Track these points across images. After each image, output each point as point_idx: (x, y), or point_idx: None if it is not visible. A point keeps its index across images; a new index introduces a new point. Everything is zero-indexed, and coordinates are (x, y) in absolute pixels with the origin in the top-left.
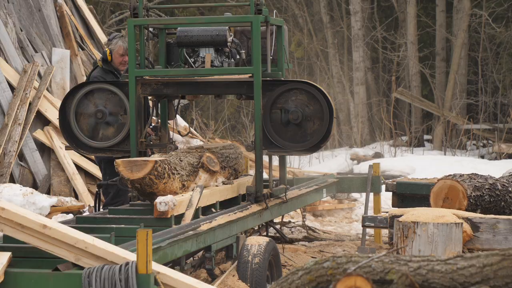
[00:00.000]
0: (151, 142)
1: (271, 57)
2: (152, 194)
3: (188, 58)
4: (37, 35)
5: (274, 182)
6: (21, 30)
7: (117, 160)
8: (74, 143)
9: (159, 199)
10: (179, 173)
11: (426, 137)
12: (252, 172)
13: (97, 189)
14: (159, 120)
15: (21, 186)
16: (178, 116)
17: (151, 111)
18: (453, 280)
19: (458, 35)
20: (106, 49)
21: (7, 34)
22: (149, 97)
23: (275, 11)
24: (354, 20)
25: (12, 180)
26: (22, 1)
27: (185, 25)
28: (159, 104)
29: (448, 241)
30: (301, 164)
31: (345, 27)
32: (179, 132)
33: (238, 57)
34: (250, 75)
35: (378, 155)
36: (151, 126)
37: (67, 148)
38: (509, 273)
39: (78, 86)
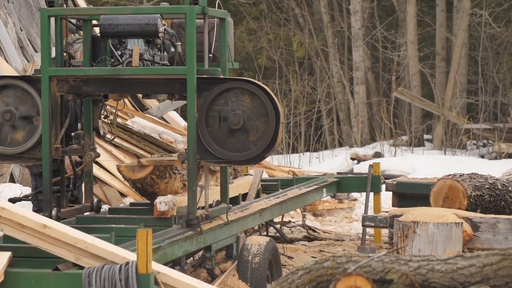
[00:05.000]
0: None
1: (210, 55)
2: (154, 194)
3: (114, 50)
4: (37, 34)
5: (214, 201)
6: (21, 30)
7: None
8: None
9: (159, 199)
10: (180, 173)
11: (426, 136)
12: (252, 171)
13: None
14: (83, 127)
15: (21, 186)
16: (178, 116)
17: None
18: (453, 279)
19: (458, 35)
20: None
21: (7, 34)
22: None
23: (218, 1)
24: (354, 19)
25: (12, 180)
26: (22, 1)
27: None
28: (82, 107)
29: (448, 240)
30: (301, 164)
31: (345, 26)
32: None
33: (172, 50)
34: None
35: (378, 154)
36: (72, 134)
37: None
38: (509, 273)
39: None
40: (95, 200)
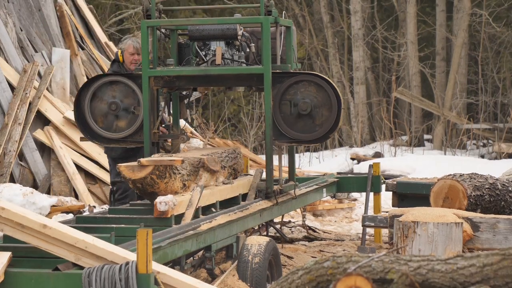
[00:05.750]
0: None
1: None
2: (154, 194)
3: (199, 51)
4: (37, 34)
5: (284, 179)
6: (21, 30)
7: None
8: (88, 134)
9: (159, 199)
10: (180, 173)
11: (426, 136)
12: (252, 172)
13: (111, 187)
14: (171, 118)
15: (21, 186)
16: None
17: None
18: (453, 279)
19: (458, 35)
20: (118, 50)
21: (7, 34)
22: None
23: (284, 12)
24: (354, 19)
25: (12, 180)
26: (22, 0)
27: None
28: (171, 103)
29: (448, 240)
30: (301, 164)
31: (345, 26)
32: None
33: (248, 50)
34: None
35: (378, 154)
36: (163, 125)
37: (81, 139)
38: (509, 273)
39: (92, 79)
40: None
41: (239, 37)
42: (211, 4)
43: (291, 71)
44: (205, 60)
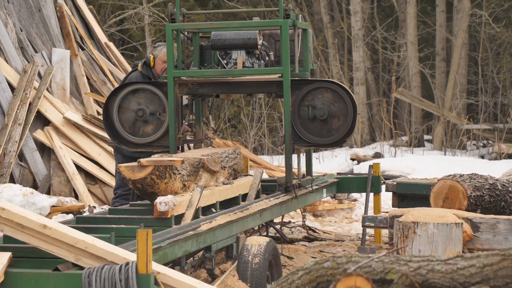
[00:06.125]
0: (188, 138)
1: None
2: (154, 194)
3: (221, 59)
4: (37, 35)
5: (303, 174)
6: (21, 30)
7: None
8: (116, 139)
9: (159, 199)
10: (180, 173)
11: (426, 137)
12: (252, 172)
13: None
14: (194, 118)
15: (21, 186)
16: None
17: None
18: (453, 280)
19: (458, 35)
20: (150, 55)
21: (7, 34)
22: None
23: (300, 15)
24: (354, 20)
25: (12, 180)
26: (22, 1)
27: (219, 29)
28: (193, 103)
29: (448, 241)
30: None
31: (345, 27)
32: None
33: (267, 58)
34: (280, 75)
35: (378, 155)
36: (187, 124)
37: (109, 143)
38: (509, 273)
39: (120, 86)
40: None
41: (259, 46)
42: (218, 8)
43: (309, 78)
44: (226, 68)
